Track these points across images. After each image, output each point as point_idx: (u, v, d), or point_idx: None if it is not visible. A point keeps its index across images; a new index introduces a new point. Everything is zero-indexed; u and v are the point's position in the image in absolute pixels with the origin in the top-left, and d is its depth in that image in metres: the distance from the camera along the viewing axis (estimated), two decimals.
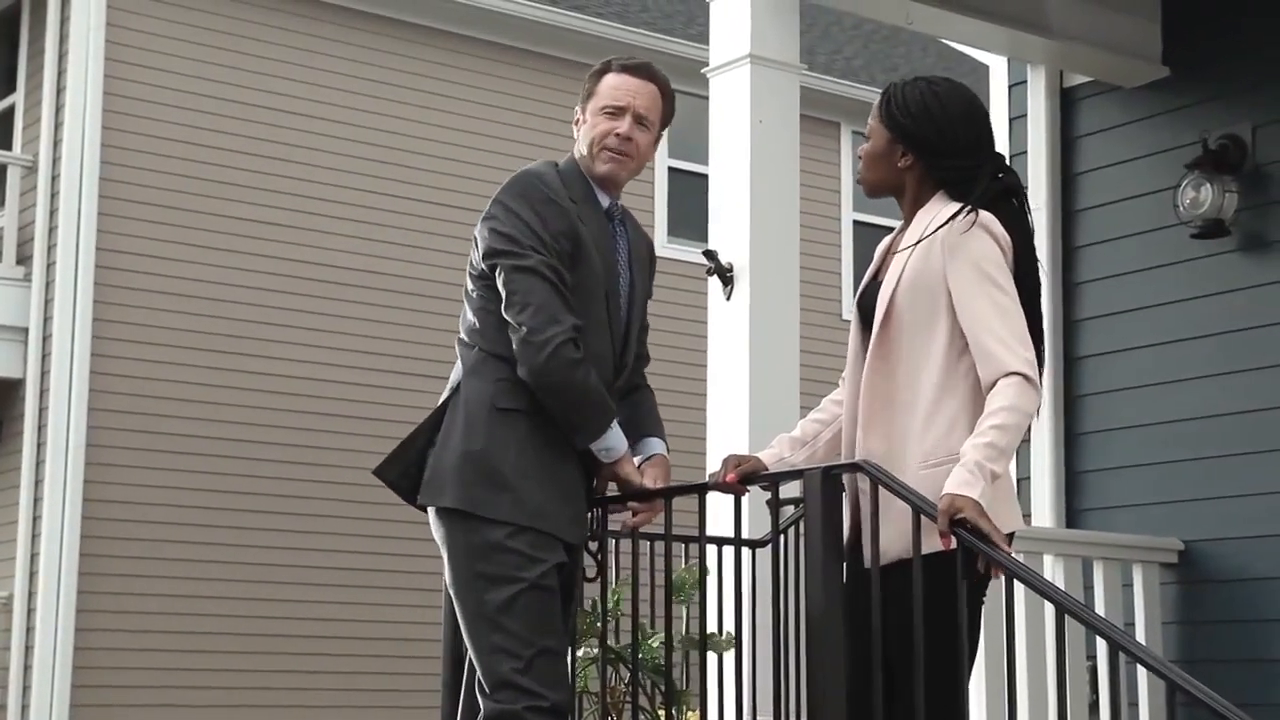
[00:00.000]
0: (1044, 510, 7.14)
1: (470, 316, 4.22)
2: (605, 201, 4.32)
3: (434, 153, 13.69)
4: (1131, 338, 7.05)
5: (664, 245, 14.64)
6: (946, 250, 3.92)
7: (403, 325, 13.32)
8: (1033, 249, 4.07)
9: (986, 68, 8.00)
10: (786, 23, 6.11)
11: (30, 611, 11.97)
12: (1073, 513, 7.13)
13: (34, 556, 12.05)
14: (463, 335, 4.24)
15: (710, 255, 5.95)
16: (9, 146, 13.05)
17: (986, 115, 4.17)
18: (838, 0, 6.86)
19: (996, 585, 3.92)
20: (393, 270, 13.41)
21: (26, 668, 11.94)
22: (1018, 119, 7.51)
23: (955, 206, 3.98)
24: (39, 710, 11.76)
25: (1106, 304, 7.16)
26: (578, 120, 4.36)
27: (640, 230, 4.46)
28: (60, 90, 12.46)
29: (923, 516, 3.78)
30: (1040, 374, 3.92)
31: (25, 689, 11.94)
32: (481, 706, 4.03)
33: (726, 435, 5.67)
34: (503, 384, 4.10)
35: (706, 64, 6.25)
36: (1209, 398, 6.78)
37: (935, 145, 4.06)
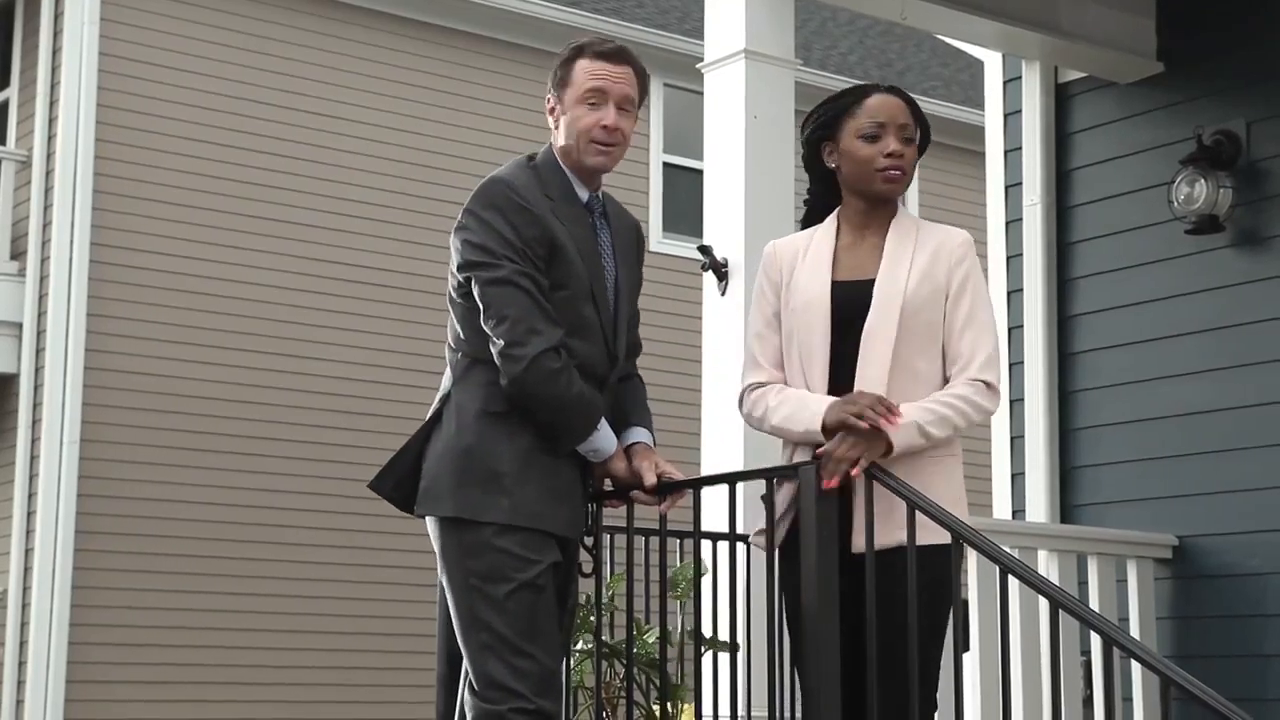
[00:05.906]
0: (1038, 506, 7.14)
1: (455, 324, 4.20)
2: (584, 195, 4.26)
3: (430, 148, 13.66)
4: (1125, 333, 7.05)
5: (659, 240, 14.64)
6: (954, 260, 4.15)
7: (400, 321, 13.30)
8: None
9: (981, 63, 8.01)
10: (781, 18, 6.10)
11: (25, 607, 11.96)
12: (1067, 508, 7.14)
13: (29, 552, 12.04)
14: (450, 342, 4.23)
15: (705, 251, 5.94)
16: (3, 141, 13.04)
17: None
18: None
19: (992, 587, 3.93)
20: (388, 265, 13.40)
21: (21, 663, 11.94)
22: (1012, 115, 7.52)
23: (944, 226, 4.28)
24: (34, 706, 11.75)
25: (1100, 299, 7.16)
26: (553, 109, 4.28)
27: (623, 215, 4.39)
28: (55, 84, 12.44)
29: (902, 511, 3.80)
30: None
31: (20, 684, 11.94)
32: (469, 704, 4.03)
33: (720, 430, 5.66)
34: (492, 388, 4.09)
35: (701, 59, 6.24)
36: (1203, 393, 6.78)
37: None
